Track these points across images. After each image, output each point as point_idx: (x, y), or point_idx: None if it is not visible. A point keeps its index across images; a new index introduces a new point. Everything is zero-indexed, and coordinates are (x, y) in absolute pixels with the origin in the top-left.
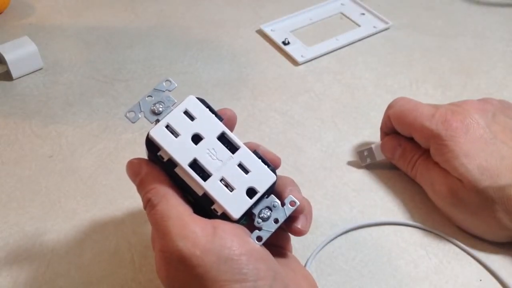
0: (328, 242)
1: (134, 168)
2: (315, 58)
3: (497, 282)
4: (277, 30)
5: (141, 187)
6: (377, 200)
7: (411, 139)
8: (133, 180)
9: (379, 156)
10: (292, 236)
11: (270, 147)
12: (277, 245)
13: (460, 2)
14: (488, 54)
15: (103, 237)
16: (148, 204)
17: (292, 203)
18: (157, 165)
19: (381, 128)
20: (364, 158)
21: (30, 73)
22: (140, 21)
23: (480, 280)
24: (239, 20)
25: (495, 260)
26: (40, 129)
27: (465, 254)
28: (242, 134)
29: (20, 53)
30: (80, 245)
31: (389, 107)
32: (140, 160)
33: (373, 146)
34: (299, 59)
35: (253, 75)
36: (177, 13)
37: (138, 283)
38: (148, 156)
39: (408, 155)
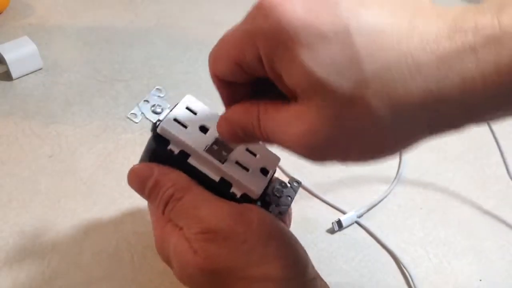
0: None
1: (142, 173)
2: None
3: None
4: None
5: (157, 188)
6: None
7: None
8: (143, 186)
9: None
10: None
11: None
12: None
13: (460, 2)
14: None
15: (102, 237)
16: (172, 199)
17: (296, 183)
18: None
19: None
20: None
21: (30, 73)
22: (140, 21)
23: (480, 280)
24: (239, 20)
25: (495, 260)
26: (40, 129)
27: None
28: None
29: (20, 53)
30: (80, 245)
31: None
32: (144, 164)
33: None
34: None
35: None
36: (177, 13)
37: (137, 283)
38: (149, 158)
39: None
